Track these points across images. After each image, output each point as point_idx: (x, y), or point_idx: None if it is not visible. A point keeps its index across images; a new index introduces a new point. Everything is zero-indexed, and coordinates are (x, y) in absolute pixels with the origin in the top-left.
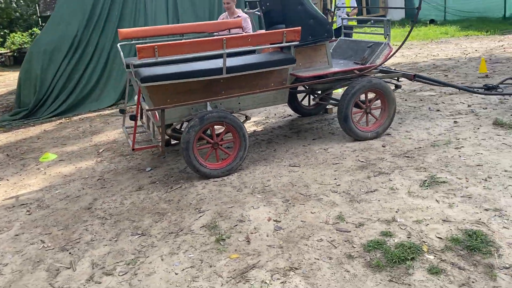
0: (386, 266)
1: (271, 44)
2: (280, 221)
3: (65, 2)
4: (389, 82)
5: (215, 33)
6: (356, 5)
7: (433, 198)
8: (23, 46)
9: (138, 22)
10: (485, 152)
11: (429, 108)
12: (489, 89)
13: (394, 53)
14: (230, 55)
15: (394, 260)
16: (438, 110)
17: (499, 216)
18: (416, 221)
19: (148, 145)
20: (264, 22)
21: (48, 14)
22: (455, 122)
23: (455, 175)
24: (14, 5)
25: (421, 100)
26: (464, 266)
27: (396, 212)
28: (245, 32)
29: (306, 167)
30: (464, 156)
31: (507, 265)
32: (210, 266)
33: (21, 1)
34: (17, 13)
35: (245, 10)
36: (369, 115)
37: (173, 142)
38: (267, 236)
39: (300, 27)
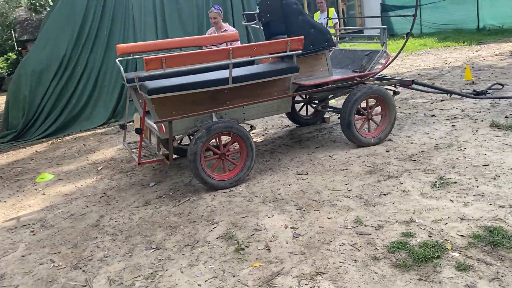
0: (413, 265)
1: (274, 53)
2: (297, 228)
3: (53, 21)
4: (387, 89)
5: (203, 47)
6: (336, 18)
7: (446, 198)
8: None
9: (128, 39)
10: (488, 153)
11: (424, 114)
12: (478, 95)
13: (392, 61)
14: (235, 65)
15: (420, 259)
16: (433, 116)
17: None
18: (434, 220)
19: (153, 159)
20: (263, 33)
21: (26, 38)
22: (453, 126)
23: (463, 176)
24: None
25: (415, 107)
26: (490, 261)
27: (413, 213)
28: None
29: (314, 174)
30: (468, 157)
31: None
32: (234, 276)
33: None
34: None
35: (242, 22)
36: (370, 121)
37: (174, 156)
38: (287, 243)
39: (303, 36)
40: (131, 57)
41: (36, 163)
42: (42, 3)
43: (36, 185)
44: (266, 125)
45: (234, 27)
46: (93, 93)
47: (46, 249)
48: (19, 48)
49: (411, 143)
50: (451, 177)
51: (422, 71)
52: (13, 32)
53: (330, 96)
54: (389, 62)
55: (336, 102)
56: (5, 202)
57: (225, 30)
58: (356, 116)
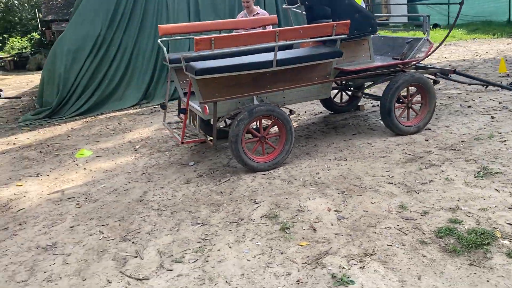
0: (463, 251)
1: (319, 37)
2: (341, 211)
3: (88, 1)
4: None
5: (234, 31)
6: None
7: (491, 187)
8: (22, 51)
9: (161, 21)
10: None
11: (460, 105)
12: None
13: (435, 49)
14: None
15: (470, 245)
16: (470, 107)
17: None
18: (481, 209)
19: (196, 139)
20: (306, 17)
21: (50, 18)
22: (492, 117)
23: (507, 166)
24: (17, 8)
25: (450, 97)
26: None
27: (458, 201)
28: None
29: (353, 160)
30: (511, 149)
31: None
32: (282, 253)
33: (21, 7)
34: (16, 18)
35: (283, 6)
36: (409, 110)
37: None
38: (332, 225)
39: (349, 21)
40: (172, 38)
41: (73, 139)
42: None
43: (75, 160)
44: (298, 111)
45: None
46: (125, 74)
47: (94, 221)
48: (43, 28)
49: (450, 133)
50: (495, 168)
51: (452, 62)
52: (37, 12)
53: (369, 84)
54: (432, 50)
55: (368, 90)
56: (47, 175)
57: (257, 14)
58: (396, 104)
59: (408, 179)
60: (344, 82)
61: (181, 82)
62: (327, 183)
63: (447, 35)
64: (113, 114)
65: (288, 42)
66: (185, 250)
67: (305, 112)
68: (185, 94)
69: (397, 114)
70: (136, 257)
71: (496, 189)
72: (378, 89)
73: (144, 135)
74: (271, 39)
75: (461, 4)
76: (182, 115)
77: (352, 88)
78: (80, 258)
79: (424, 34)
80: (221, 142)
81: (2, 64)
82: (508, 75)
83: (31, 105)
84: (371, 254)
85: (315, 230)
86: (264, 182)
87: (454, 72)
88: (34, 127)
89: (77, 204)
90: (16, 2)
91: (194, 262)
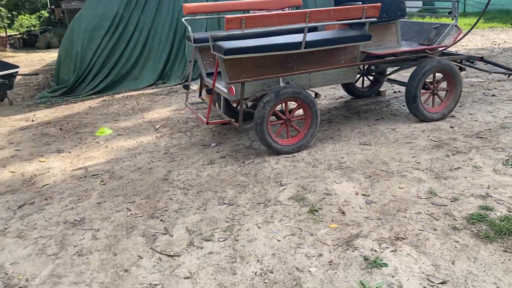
0: (496, 237)
1: (349, 19)
2: (369, 195)
3: None
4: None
5: (257, 11)
6: None
7: None
8: (31, 29)
9: (179, 1)
10: None
11: (484, 93)
12: None
13: (464, 36)
14: (298, 31)
15: (503, 232)
16: (493, 95)
17: None
18: (511, 197)
19: (220, 120)
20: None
21: None
22: None
23: None
24: None
25: (472, 86)
26: None
27: (488, 188)
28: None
29: (378, 145)
30: None
31: None
32: (312, 235)
33: None
34: None
35: None
36: (435, 97)
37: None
38: (360, 208)
39: (379, 4)
40: (197, 17)
41: (92, 118)
42: None
43: (96, 138)
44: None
45: None
46: (142, 54)
47: (120, 198)
48: (52, 7)
49: (475, 120)
50: None
51: (471, 51)
52: None
53: (396, 68)
54: (460, 36)
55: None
56: (69, 152)
57: None
58: (421, 90)
59: (435, 165)
60: (366, 66)
61: (204, 62)
62: (353, 167)
63: (477, 22)
64: (130, 93)
65: (318, 24)
66: (214, 229)
67: (325, 96)
68: (208, 74)
69: (422, 100)
70: (165, 234)
71: None
72: (397, 75)
73: (163, 115)
74: (301, 20)
75: None
76: (203, 96)
77: (374, 73)
78: (109, 234)
79: (453, 20)
80: (245, 124)
81: (11, 41)
82: None
83: (45, 83)
84: (403, 238)
85: (344, 213)
86: (289, 165)
87: (482, 59)
88: (51, 105)
89: (102, 181)
90: None
91: (224, 240)
